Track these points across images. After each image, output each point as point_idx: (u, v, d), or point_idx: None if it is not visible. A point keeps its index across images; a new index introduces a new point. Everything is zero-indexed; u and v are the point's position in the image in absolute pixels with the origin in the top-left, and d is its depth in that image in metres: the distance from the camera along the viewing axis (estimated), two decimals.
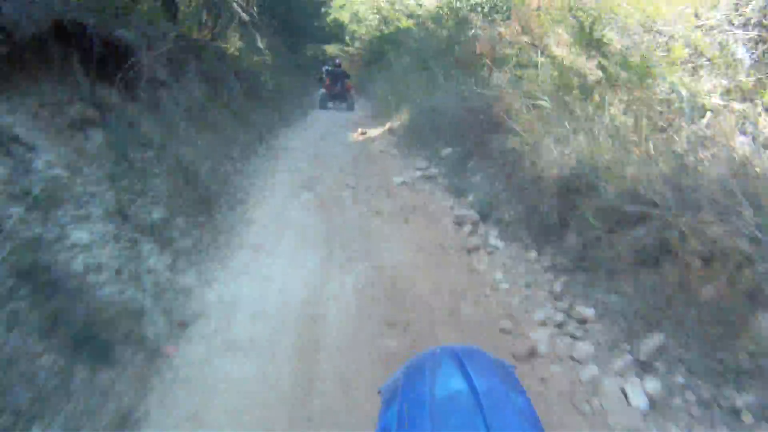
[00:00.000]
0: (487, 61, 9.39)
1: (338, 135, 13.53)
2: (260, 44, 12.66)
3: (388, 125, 13.55)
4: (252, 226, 6.66)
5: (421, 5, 21.70)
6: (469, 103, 8.94)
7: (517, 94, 7.24)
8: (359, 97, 21.13)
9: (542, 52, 7.99)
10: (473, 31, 16.37)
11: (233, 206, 7.18)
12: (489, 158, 7.69)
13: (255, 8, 13.01)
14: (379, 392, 1.05)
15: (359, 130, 13.96)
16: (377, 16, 27.50)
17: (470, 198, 7.28)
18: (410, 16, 23.09)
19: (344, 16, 29.04)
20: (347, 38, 29.99)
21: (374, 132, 13.70)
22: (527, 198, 6.11)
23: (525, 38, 9.04)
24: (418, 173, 8.99)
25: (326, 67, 19.76)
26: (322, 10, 24.76)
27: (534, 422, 0.88)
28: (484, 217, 6.60)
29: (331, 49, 30.29)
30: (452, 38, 15.34)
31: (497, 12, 15.90)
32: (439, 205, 7.49)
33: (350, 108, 18.80)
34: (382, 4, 26.56)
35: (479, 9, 16.62)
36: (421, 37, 17.36)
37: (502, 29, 9.45)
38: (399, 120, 12.85)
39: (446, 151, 9.27)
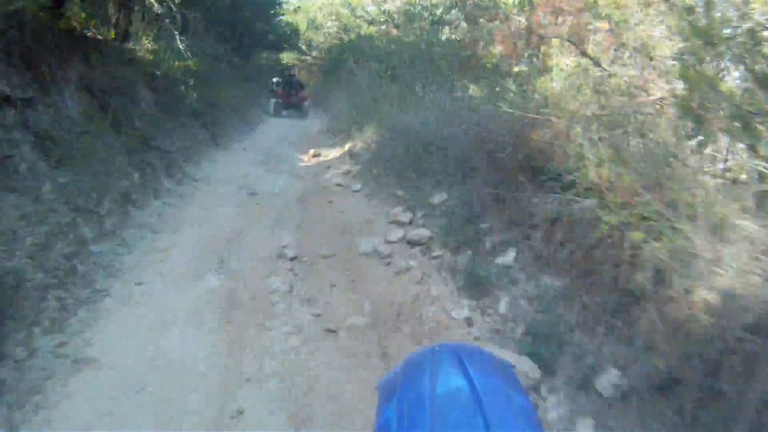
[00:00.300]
0: (511, 62, 5.94)
1: (284, 158, 9.90)
2: (180, 45, 8.90)
3: (348, 146, 9.99)
4: (77, 378, 3.09)
5: (384, 10, 18.85)
6: (474, 126, 5.51)
7: (580, 120, 3.82)
8: (316, 110, 18.26)
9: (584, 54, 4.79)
10: (450, 35, 13.22)
11: (63, 321, 3.59)
12: (522, 222, 4.22)
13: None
14: (376, 388, 0.99)
15: (311, 151, 10.36)
16: (336, 23, 24.27)
17: (503, 304, 3.76)
18: (371, 22, 20.13)
19: (300, 21, 25.46)
20: (304, 46, 26.45)
21: (330, 154, 10.14)
22: (655, 344, 2.63)
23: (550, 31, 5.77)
24: (398, 233, 5.42)
25: (276, 79, 18.12)
26: (275, 12, 20.94)
27: (533, 420, 0.83)
28: (548, 365, 3.05)
29: (288, 57, 26.74)
30: (429, 41, 11.99)
31: (482, 9, 12.65)
32: (444, 313, 3.91)
33: (303, 117, 17.43)
34: (341, 10, 23.35)
35: (458, 4, 13.37)
36: (387, 42, 13.89)
37: (522, 19, 6.06)
38: (363, 141, 9.30)
39: (440, 196, 5.78)
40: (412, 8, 14.53)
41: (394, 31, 16.14)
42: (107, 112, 6.70)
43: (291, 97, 17.69)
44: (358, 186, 7.35)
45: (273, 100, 17.55)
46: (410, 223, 5.63)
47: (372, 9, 20.85)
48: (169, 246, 5.19)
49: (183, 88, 8.69)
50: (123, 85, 7.37)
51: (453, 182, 5.77)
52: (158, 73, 8.32)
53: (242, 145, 10.76)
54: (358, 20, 21.89)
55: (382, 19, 18.32)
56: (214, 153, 9.23)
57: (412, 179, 6.47)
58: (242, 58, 17.49)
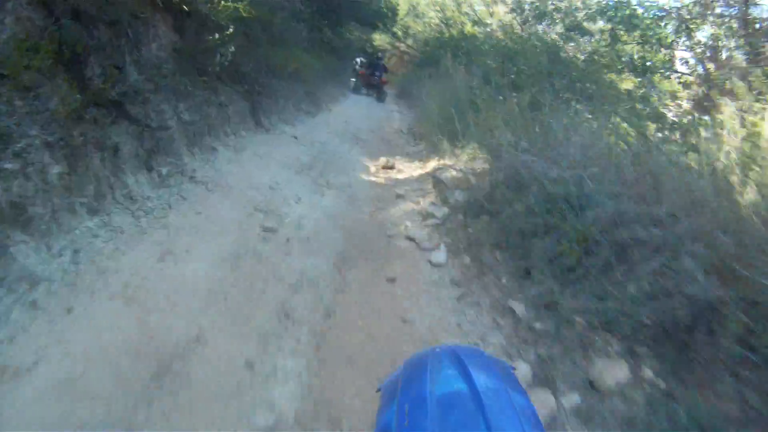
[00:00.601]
0: None
1: (343, 162, 6.76)
2: None
3: (433, 164, 6.82)
4: None
5: (492, 13, 16.93)
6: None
7: None
8: (399, 102, 15.98)
9: None
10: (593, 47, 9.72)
11: None
12: None
13: None
14: (378, 391, 0.90)
15: (383, 159, 7.17)
16: (439, 15, 21.18)
17: None
18: (476, 22, 17.50)
19: (401, 4, 22.18)
20: (399, 31, 23.26)
21: (408, 169, 6.93)
22: None
23: None
24: None
25: (360, 59, 17.51)
26: None
27: (534, 422, 0.76)
28: None
29: (380, 39, 23.62)
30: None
31: (626, 30, 9.12)
32: None
33: (381, 100, 16.25)
34: (447, 2, 20.25)
35: (601, 17, 9.84)
36: (512, 39, 10.42)
37: None
38: (456, 166, 6.05)
39: (617, 369, 2.47)
40: (541, 5, 10.99)
41: (499, 35, 13.08)
42: (57, 43, 3.71)
43: (373, 77, 16.58)
44: (442, 255, 4.08)
45: (354, 78, 16.90)
46: (552, 423, 2.34)
47: (481, 8, 18.07)
48: (14, 375, 2.11)
49: (216, 36, 5.51)
50: (117, 13, 4.35)
51: (656, 341, 2.49)
52: (186, 9, 5.19)
53: (294, 130, 7.61)
54: (462, 17, 18.81)
55: (488, 21, 16.33)
56: (248, 137, 6.11)
57: (553, 287, 3.18)
58: (330, 26, 14.34)
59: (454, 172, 5.96)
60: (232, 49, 5.62)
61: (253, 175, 5.03)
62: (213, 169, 4.77)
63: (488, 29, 16.02)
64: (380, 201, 5.47)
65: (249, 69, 6.69)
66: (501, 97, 6.32)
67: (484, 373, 0.80)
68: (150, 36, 5.02)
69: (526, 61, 7.33)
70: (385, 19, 19.29)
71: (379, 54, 18.62)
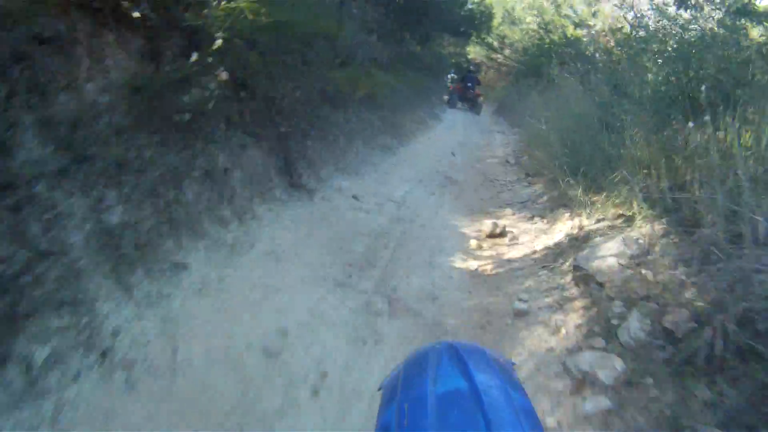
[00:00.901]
0: None
1: (427, 236, 4.19)
2: None
3: (564, 224, 4.19)
4: None
5: (595, 14, 14.87)
6: None
7: None
8: (498, 119, 14.41)
9: None
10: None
11: None
12: None
13: None
14: (379, 390, 0.81)
15: (489, 223, 4.48)
16: (537, 20, 18.43)
17: None
18: (578, 24, 15.46)
19: (495, 10, 19.49)
20: (495, 42, 20.56)
21: (526, 237, 4.29)
22: None
23: None
24: None
25: (452, 75, 17.86)
26: None
27: (534, 421, 0.69)
28: None
29: (474, 52, 21.16)
30: None
31: None
32: None
33: (477, 113, 16.13)
34: (545, 5, 18.13)
35: None
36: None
37: None
38: (609, 230, 3.26)
39: None
40: None
41: (605, 39, 10.53)
42: None
43: (467, 90, 16.39)
44: None
45: (447, 95, 16.63)
46: None
47: (582, 9, 16.01)
48: None
49: (195, 57, 3.02)
50: None
51: None
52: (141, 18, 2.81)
53: (357, 183, 5.08)
54: (563, 20, 16.78)
55: (590, 23, 14.55)
56: (267, 216, 3.63)
57: None
58: (416, 39, 11.82)
59: (611, 258, 3.17)
60: (225, 75, 3.12)
61: (244, 320, 2.52)
62: (160, 318, 2.31)
63: (592, 31, 13.69)
64: (488, 330, 2.81)
65: (287, 102, 4.29)
66: (691, 123, 3.44)
67: (484, 370, 0.73)
68: (79, 72, 2.70)
69: (721, 64, 4.25)
70: (478, 26, 16.68)
71: (472, 67, 17.92)
